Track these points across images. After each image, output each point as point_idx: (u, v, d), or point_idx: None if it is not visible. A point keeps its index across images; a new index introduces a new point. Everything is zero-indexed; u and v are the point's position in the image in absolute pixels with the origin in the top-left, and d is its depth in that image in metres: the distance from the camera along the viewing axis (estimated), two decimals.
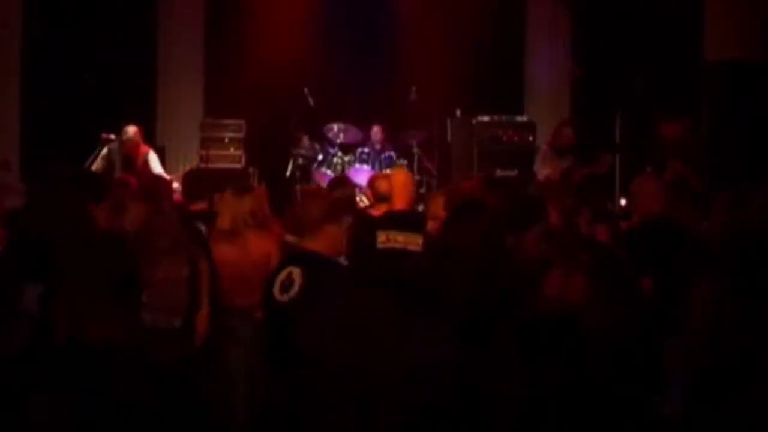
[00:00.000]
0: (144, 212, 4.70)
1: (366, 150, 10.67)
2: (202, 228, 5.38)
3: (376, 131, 10.77)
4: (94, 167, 8.63)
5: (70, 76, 10.59)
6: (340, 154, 10.65)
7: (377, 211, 5.59)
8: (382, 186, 5.66)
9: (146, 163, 8.66)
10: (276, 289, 4.01)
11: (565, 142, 8.91)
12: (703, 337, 3.67)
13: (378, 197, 5.73)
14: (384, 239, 4.94)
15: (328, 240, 4.06)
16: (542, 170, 8.74)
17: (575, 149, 8.76)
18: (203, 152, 10.64)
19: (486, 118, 10.69)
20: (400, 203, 5.32)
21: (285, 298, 3.95)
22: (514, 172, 10.09)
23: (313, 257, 4.04)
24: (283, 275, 4.03)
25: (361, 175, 10.27)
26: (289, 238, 5.35)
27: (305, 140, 10.84)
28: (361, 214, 5.71)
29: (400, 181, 5.46)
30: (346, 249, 4.29)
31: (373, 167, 10.43)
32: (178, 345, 4.40)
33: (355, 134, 10.89)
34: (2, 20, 10.31)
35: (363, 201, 9.69)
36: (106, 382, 3.97)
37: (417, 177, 10.62)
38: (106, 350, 3.97)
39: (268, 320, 4.21)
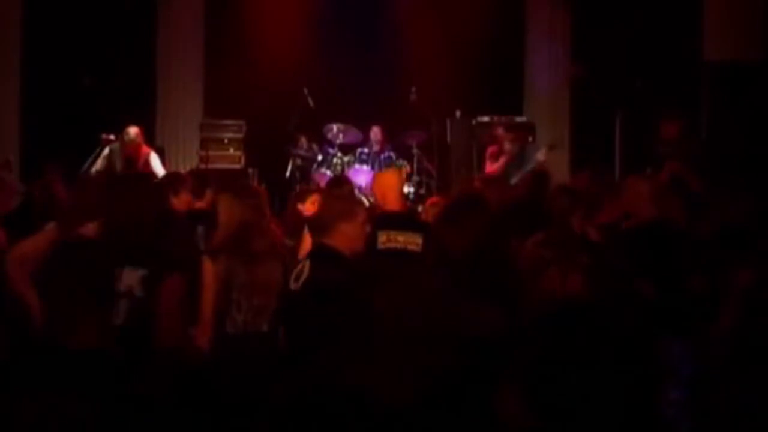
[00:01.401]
0: (237, 209, 4.60)
1: (366, 150, 10.66)
2: (200, 229, 5.38)
3: (375, 132, 10.76)
4: (95, 167, 8.64)
5: (69, 76, 10.59)
6: (339, 154, 10.64)
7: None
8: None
9: (147, 164, 8.67)
10: (291, 279, 4.17)
11: (497, 144, 9.23)
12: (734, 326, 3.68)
13: None
14: (385, 239, 4.95)
15: (341, 237, 4.16)
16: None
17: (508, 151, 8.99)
18: (203, 153, 10.65)
19: (485, 119, 10.70)
20: (391, 204, 5.32)
21: (295, 286, 4.10)
22: None
23: (324, 251, 4.17)
24: (299, 267, 4.20)
25: (361, 175, 10.27)
26: (288, 242, 5.36)
27: (303, 141, 10.83)
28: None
29: (385, 183, 5.45)
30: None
31: (372, 168, 10.42)
32: (265, 349, 4.38)
33: (354, 135, 10.89)
34: (2, 20, 10.32)
35: (362, 201, 9.71)
36: (94, 387, 3.95)
37: (416, 178, 10.63)
38: (92, 354, 3.95)
39: (281, 307, 4.32)
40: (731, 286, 3.85)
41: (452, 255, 3.79)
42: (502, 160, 9.36)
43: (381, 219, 5.19)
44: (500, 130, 9.49)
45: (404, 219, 5.20)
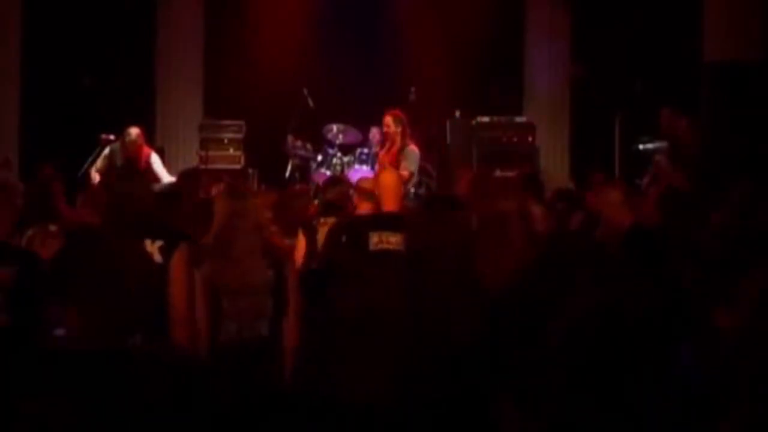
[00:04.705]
0: (228, 210, 4.53)
1: (365, 151, 10.64)
2: None
3: (374, 133, 10.71)
4: (95, 167, 8.64)
5: (70, 76, 10.60)
6: (339, 154, 10.63)
7: (362, 209, 5.51)
8: (365, 183, 5.62)
9: (149, 164, 8.67)
10: None
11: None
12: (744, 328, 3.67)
13: (363, 196, 5.61)
14: (377, 240, 4.93)
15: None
16: None
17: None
18: (203, 153, 10.64)
19: (485, 119, 10.69)
20: (388, 205, 5.29)
21: None
22: (513, 174, 10.08)
23: None
24: None
25: (361, 175, 10.26)
26: (286, 241, 5.35)
27: (291, 139, 10.78)
28: (355, 215, 5.67)
29: (387, 182, 5.40)
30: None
31: (372, 168, 10.41)
32: (266, 356, 4.29)
33: (354, 135, 10.87)
34: (2, 20, 10.31)
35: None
36: (94, 387, 3.93)
37: (416, 178, 10.61)
38: (93, 354, 3.93)
39: None
40: (744, 286, 3.83)
41: (436, 256, 3.76)
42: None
43: (375, 219, 5.18)
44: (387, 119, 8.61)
45: (399, 220, 5.19)
